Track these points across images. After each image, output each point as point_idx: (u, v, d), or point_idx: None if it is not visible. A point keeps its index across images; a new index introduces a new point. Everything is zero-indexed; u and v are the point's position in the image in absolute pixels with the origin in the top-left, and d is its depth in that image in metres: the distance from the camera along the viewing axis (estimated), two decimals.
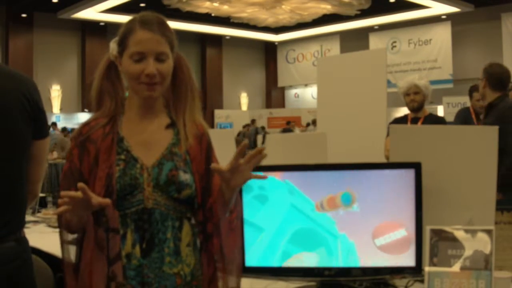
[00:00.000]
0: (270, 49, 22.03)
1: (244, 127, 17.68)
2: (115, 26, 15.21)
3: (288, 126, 16.23)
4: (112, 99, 1.58)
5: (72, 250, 1.56)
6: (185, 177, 1.52)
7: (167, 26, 1.54)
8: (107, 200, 1.39)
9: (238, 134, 16.08)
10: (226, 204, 1.55)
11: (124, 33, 1.53)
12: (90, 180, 1.48)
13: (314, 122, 15.53)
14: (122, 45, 1.53)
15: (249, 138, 15.66)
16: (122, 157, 1.51)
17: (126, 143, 1.54)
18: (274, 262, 1.92)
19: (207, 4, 15.76)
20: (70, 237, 1.56)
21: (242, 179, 1.47)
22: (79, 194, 1.33)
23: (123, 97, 1.60)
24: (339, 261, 1.88)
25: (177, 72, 1.59)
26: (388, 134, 4.04)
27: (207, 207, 1.57)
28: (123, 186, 1.48)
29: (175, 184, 1.51)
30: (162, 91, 1.55)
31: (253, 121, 18.12)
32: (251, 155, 1.44)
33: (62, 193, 1.34)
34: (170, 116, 1.60)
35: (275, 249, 1.91)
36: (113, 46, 1.58)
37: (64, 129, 14.01)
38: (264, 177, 1.56)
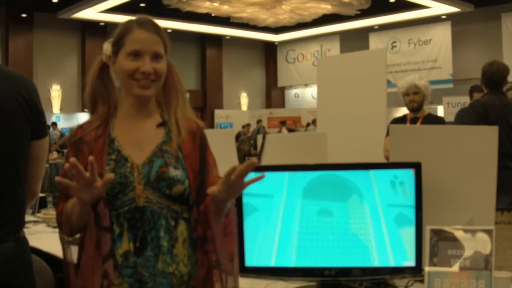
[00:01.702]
0: (270, 49, 22.02)
1: (243, 127, 17.66)
2: (115, 26, 15.05)
3: (283, 126, 16.16)
4: (105, 103, 1.61)
5: (74, 250, 1.57)
6: (175, 172, 1.53)
7: (162, 29, 1.60)
8: (110, 175, 1.41)
9: (238, 135, 16.10)
10: (219, 214, 1.55)
11: (120, 33, 1.57)
12: None
13: (314, 122, 15.51)
14: (118, 45, 1.56)
15: (251, 138, 15.67)
16: (113, 157, 1.54)
17: (117, 143, 1.56)
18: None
19: (207, 4, 15.75)
20: (67, 237, 1.57)
21: (237, 191, 1.48)
22: (87, 174, 1.36)
23: (115, 100, 1.63)
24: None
25: (168, 77, 1.62)
26: (387, 134, 4.04)
27: (201, 210, 1.57)
28: (113, 184, 1.49)
29: (166, 180, 1.52)
30: (155, 91, 1.57)
31: (259, 121, 18.01)
32: (242, 169, 1.42)
33: (72, 159, 1.35)
34: (163, 116, 1.62)
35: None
36: (106, 46, 1.61)
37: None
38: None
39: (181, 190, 1.54)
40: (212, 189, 1.46)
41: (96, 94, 1.62)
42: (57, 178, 1.38)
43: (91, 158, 1.37)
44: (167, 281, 1.50)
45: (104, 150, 1.53)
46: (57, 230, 1.62)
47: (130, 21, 1.58)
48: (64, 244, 1.58)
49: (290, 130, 15.33)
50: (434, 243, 1.65)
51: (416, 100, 4.14)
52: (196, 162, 1.59)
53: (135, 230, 1.50)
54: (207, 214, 1.55)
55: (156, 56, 1.54)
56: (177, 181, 1.53)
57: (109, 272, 1.48)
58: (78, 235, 1.57)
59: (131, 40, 1.53)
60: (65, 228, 1.56)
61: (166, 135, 1.59)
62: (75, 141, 1.57)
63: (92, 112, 1.63)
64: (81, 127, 1.60)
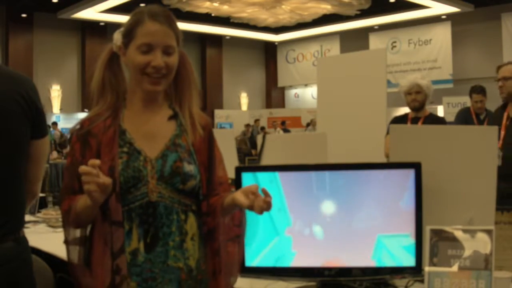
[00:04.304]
0: (270, 49, 22.01)
1: (246, 126, 17.75)
2: (115, 26, 15.14)
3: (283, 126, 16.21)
4: (114, 92, 1.58)
5: (75, 251, 1.56)
6: (189, 168, 1.53)
7: (174, 20, 1.55)
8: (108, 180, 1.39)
9: (244, 134, 16.21)
10: (225, 213, 1.57)
11: (131, 24, 1.53)
12: None
13: (312, 122, 15.49)
14: (129, 36, 1.52)
15: (248, 139, 15.68)
16: (125, 149, 1.51)
17: (128, 135, 1.53)
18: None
19: (207, 4, 15.75)
20: (72, 235, 1.55)
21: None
22: (106, 179, 1.36)
23: (124, 90, 1.60)
24: None
25: (180, 68, 1.59)
26: (388, 132, 4.04)
27: (211, 205, 1.58)
28: (127, 178, 1.48)
29: (180, 176, 1.51)
30: (165, 86, 1.55)
31: (256, 121, 18.10)
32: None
33: (92, 161, 1.34)
34: (172, 108, 1.60)
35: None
36: (117, 36, 1.57)
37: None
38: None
39: (194, 185, 1.54)
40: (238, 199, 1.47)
41: (105, 83, 1.58)
42: (82, 168, 1.35)
43: (96, 162, 1.35)
44: (175, 277, 1.49)
45: (115, 141, 1.51)
46: (57, 230, 1.62)
47: (141, 12, 1.53)
48: (69, 245, 1.56)
49: (285, 131, 15.28)
50: (434, 243, 1.65)
51: (418, 99, 4.13)
52: (205, 156, 1.58)
53: (146, 226, 1.48)
54: (216, 206, 1.57)
55: (167, 50, 1.51)
56: (191, 176, 1.53)
57: (122, 268, 1.45)
58: (78, 235, 1.56)
59: (142, 33, 1.50)
60: (73, 224, 1.54)
61: (178, 128, 1.58)
62: (83, 134, 1.54)
63: (98, 100, 1.58)
64: (89, 118, 1.56)
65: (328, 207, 1.89)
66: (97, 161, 1.35)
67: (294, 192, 1.90)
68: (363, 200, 1.88)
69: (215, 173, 1.60)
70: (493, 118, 3.98)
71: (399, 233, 1.87)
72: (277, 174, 1.91)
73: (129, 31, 1.53)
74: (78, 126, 1.57)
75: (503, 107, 3.86)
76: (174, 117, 1.59)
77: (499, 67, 3.87)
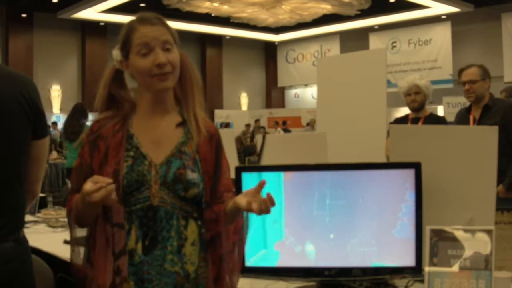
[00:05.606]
0: (270, 49, 22.01)
1: (246, 126, 17.76)
2: (115, 26, 15.18)
3: (284, 126, 16.26)
4: (125, 101, 1.60)
5: (79, 251, 1.57)
6: (192, 175, 1.54)
7: (165, 20, 1.58)
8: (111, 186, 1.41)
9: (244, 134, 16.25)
10: (229, 219, 1.57)
11: (125, 35, 1.56)
12: (99, 175, 1.48)
13: (311, 123, 15.49)
14: (126, 46, 1.55)
15: (247, 139, 15.72)
16: (131, 153, 1.53)
17: (135, 140, 1.55)
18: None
19: (207, 4, 15.74)
20: (78, 234, 1.57)
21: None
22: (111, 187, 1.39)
23: (133, 100, 1.62)
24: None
25: (182, 69, 1.61)
26: (388, 135, 4.04)
27: (215, 210, 1.58)
28: (130, 182, 1.49)
29: (182, 183, 1.52)
30: (174, 82, 1.57)
31: (257, 121, 18.12)
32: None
33: (96, 177, 1.39)
34: (181, 114, 1.62)
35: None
36: (116, 53, 1.60)
37: None
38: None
39: (196, 193, 1.55)
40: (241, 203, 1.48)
41: (116, 95, 1.60)
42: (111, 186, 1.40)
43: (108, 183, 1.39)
44: (171, 280, 1.50)
45: (122, 145, 1.53)
46: (57, 230, 1.62)
47: (132, 21, 1.57)
48: (73, 246, 1.58)
49: (286, 131, 15.30)
50: (434, 243, 1.65)
51: (418, 100, 4.14)
52: (211, 165, 1.59)
53: (145, 228, 1.50)
54: (220, 213, 1.58)
55: (166, 46, 1.53)
56: (193, 184, 1.54)
57: (122, 269, 1.47)
58: (84, 234, 1.57)
59: (138, 37, 1.52)
60: (75, 221, 1.55)
61: (185, 136, 1.59)
62: (93, 137, 1.56)
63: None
64: (98, 121, 1.59)
65: (327, 207, 1.89)
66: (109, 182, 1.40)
67: (294, 192, 1.90)
68: (362, 200, 1.88)
69: (220, 181, 1.61)
70: (458, 120, 4.04)
71: (399, 233, 1.87)
72: (282, 175, 1.91)
73: (125, 42, 1.56)
74: (88, 132, 1.59)
75: (468, 109, 3.89)
76: (182, 124, 1.60)
77: (461, 70, 3.93)
